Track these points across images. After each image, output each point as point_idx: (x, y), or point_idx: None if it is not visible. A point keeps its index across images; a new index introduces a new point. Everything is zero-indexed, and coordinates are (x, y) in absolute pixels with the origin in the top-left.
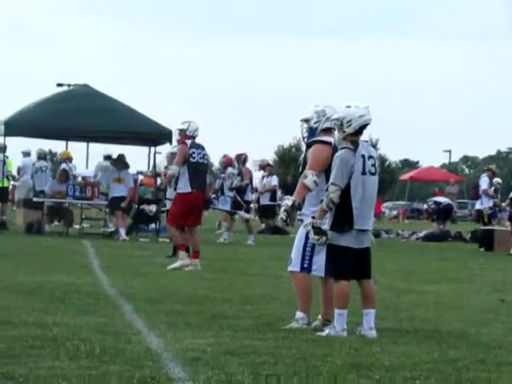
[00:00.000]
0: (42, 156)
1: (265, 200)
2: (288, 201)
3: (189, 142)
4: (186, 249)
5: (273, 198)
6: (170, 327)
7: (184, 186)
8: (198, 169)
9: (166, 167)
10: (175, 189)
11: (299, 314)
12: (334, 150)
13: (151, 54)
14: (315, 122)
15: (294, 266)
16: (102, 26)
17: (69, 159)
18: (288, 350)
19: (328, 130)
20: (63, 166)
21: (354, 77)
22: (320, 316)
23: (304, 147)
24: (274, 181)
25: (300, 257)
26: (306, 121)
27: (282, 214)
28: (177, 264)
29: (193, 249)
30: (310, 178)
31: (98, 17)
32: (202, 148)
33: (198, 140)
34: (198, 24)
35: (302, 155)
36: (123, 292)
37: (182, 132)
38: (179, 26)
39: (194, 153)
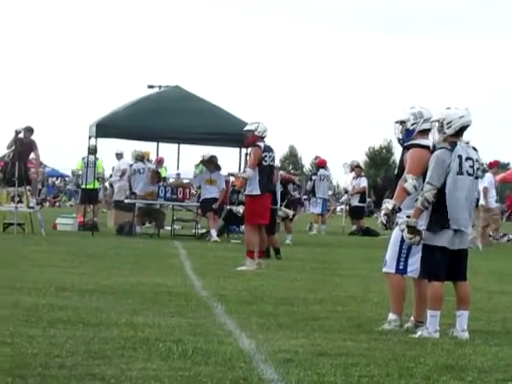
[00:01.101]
0: (139, 158)
1: (354, 201)
2: (388, 204)
3: (262, 144)
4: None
5: (362, 199)
6: (262, 328)
7: (254, 189)
8: (268, 171)
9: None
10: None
11: (392, 316)
12: (432, 152)
13: (239, 51)
14: (412, 124)
15: (389, 267)
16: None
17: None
18: (380, 351)
19: (425, 132)
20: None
21: (447, 76)
22: (412, 318)
23: (395, 149)
24: (364, 182)
25: (395, 258)
26: (402, 122)
27: (382, 218)
28: (244, 268)
29: (261, 248)
30: (409, 182)
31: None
32: (272, 150)
33: (267, 141)
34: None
35: (392, 157)
36: (215, 293)
37: (250, 132)
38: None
39: (266, 156)
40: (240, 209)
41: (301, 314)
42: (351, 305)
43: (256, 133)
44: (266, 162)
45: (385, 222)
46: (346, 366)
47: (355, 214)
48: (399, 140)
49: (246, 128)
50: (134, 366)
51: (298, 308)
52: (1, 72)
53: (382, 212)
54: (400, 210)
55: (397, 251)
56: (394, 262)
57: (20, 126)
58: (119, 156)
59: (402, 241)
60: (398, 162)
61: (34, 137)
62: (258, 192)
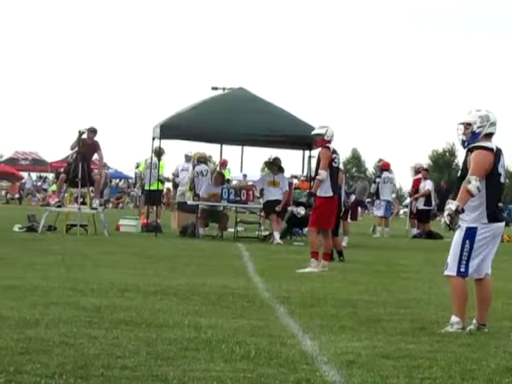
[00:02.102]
0: (202, 160)
1: (419, 204)
2: (452, 205)
3: (331, 147)
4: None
5: (427, 202)
6: (325, 330)
7: (326, 191)
8: (336, 174)
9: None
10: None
11: (454, 319)
12: (496, 155)
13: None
14: (478, 127)
15: (451, 270)
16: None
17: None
18: (443, 353)
19: (489, 136)
20: (217, 168)
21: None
22: (474, 320)
23: (458, 152)
24: (429, 185)
25: (457, 261)
26: (468, 125)
27: (445, 219)
28: (307, 270)
29: (327, 251)
30: (473, 183)
31: None
32: (338, 153)
33: (333, 144)
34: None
35: (456, 160)
36: (278, 295)
37: (320, 137)
38: None
39: (335, 158)
40: (301, 210)
41: (363, 316)
42: (414, 307)
43: (325, 137)
44: (335, 163)
45: (448, 222)
46: (408, 369)
47: (420, 217)
48: (463, 142)
49: (316, 132)
50: (196, 367)
51: (361, 310)
52: (67, 72)
53: (446, 213)
54: (463, 210)
55: (458, 254)
56: (456, 265)
57: (84, 126)
58: (188, 158)
59: (464, 244)
60: (461, 164)
61: (97, 138)
62: (330, 194)
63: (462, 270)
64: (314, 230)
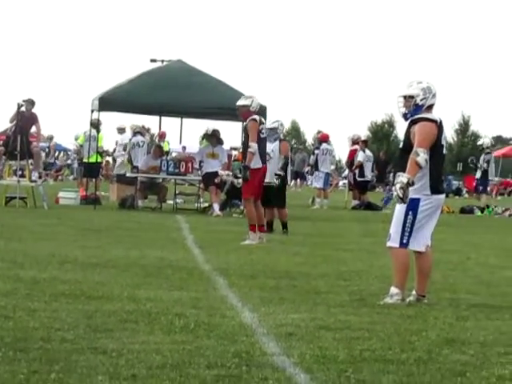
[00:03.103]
0: (137, 131)
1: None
2: (403, 178)
3: (257, 118)
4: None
5: (361, 173)
6: (264, 302)
7: (256, 163)
8: (264, 144)
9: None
10: None
11: (394, 290)
12: (439, 127)
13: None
14: (421, 99)
15: (394, 241)
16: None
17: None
18: (382, 325)
19: (431, 107)
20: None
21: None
22: (414, 292)
23: (397, 123)
24: (360, 157)
25: (400, 232)
26: (410, 97)
27: (398, 192)
28: (246, 242)
29: (259, 222)
30: (421, 156)
31: None
32: (264, 123)
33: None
34: None
35: (395, 131)
36: (217, 267)
37: (245, 108)
38: None
39: (262, 129)
40: (241, 181)
41: (303, 288)
42: (353, 279)
43: (251, 108)
44: (262, 134)
45: (401, 195)
46: (348, 340)
47: (357, 188)
48: (404, 114)
49: (240, 103)
50: (135, 339)
51: (301, 282)
52: (5, 45)
53: (398, 186)
54: (413, 183)
55: (401, 225)
56: (399, 236)
57: (22, 99)
58: (121, 130)
59: (406, 215)
60: (401, 136)
61: (35, 110)
62: (259, 165)
63: (405, 241)
64: (249, 200)
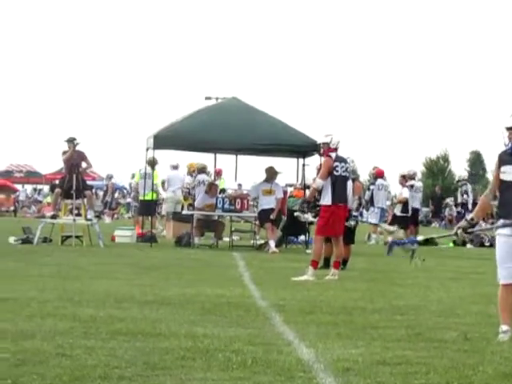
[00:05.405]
0: (202, 170)
1: (397, 211)
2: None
3: (333, 154)
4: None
5: (404, 209)
6: (321, 338)
7: (327, 199)
8: (340, 182)
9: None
10: (318, 200)
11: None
12: None
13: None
14: None
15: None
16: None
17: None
18: (440, 359)
19: None
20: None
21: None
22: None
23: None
24: (405, 193)
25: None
26: None
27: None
28: (303, 278)
29: (337, 259)
30: None
31: None
32: (345, 161)
33: (340, 152)
34: None
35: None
36: (274, 303)
37: (326, 145)
38: None
39: (337, 166)
40: (309, 216)
41: (360, 323)
42: (410, 314)
43: (331, 145)
44: (337, 172)
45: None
46: (405, 375)
47: (398, 223)
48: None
49: (322, 141)
50: (193, 376)
51: (357, 317)
52: (61, 83)
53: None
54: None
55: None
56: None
57: (64, 139)
58: (174, 168)
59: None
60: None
61: (89, 149)
62: (329, 202)
63: None
64: (320, 238)
